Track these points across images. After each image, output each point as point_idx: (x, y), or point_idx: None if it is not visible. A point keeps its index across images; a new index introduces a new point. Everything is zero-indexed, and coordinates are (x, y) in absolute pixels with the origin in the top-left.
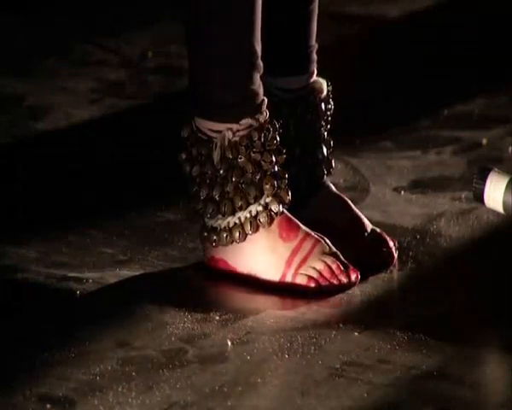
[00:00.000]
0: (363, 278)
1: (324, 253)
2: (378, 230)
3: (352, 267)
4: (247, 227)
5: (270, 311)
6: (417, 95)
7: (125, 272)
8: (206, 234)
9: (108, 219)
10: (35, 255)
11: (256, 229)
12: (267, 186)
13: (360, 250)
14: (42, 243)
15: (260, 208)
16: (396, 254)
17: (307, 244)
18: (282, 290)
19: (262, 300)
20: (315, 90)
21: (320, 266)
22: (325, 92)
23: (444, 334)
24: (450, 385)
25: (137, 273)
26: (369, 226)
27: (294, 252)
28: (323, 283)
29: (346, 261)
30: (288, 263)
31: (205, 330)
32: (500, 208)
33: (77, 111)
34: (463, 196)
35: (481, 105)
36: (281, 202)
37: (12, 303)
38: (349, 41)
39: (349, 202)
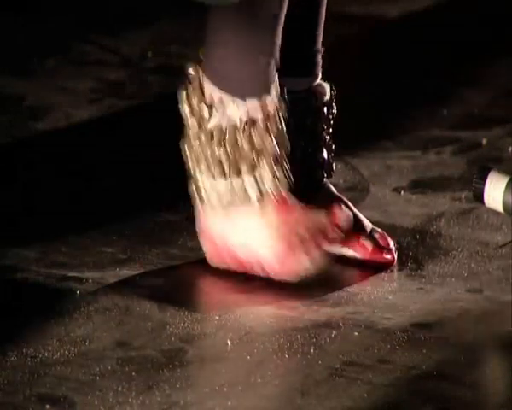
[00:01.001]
0: (363, 278)
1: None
2: (379, 230)
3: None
4: (240, 195)
5: (270, 311)
6: (417, 95)
7: (125, 272)
8: (194, 189)
9: (108, 219)
10: (35, 255)
11: (248, 201)
12: (266, 170)
13: (361, 256)
14: (42, 243)
15: (252, 180)
16: (396, 255)
17: (304, 219)
18: (283, 289)
19: (262, 300)
20: (318, 93)
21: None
22: (328, 96)
23: (444, 334)
24: (450, 385)
25: (137, 273)
26: (368, 227)
27: (291, 229)
28: (313, 252)
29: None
30: (285, 238)
31: (205, 330)
32: (500, 208)
33: (77, 111)
34: (463, 196)
35: (481, 105)
36: (279, 181)
37: (12, 303)
38: (349, 41)
39: (348, 202)
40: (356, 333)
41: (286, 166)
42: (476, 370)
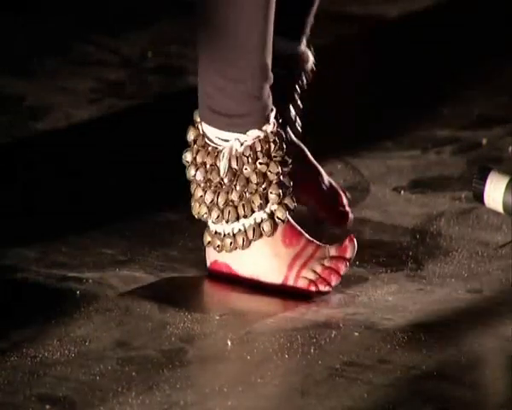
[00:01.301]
0: (363, 279)
1: (325, 257)
2: (334, 183)
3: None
4: (250, 233)
5: (270, 311)
6: (417, 95)
7: (125, 272)
8: (209, 239)
9: (108, 219)
10: (35, 255)
11: (259, 236)
12: (272, 196)
13: (316, 207)
14: (42, 243)
15: (265, 216)
16: (349, 211)
17: (309, 250)
18: (283, 291)
19: (262, 300)
20: (299, 59)
21: (319, 269)
22: (310, 63)
23: (444, 334)
24: (450, 385)
25: (137, 273)
26: (325, 178)
27: (296, 257)
28: (322, 284)
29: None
30: (290, 267)
31: (205, 330)
32: (500, 208)
33: (77, 111)
34: (463, 196)
35: (481, 105)
36: (286, 209)
37: (12, 303)
38: (349, 41)
39: (305, 150)
40: (356, 333)
41: (290, 188)
42: (476, 370)
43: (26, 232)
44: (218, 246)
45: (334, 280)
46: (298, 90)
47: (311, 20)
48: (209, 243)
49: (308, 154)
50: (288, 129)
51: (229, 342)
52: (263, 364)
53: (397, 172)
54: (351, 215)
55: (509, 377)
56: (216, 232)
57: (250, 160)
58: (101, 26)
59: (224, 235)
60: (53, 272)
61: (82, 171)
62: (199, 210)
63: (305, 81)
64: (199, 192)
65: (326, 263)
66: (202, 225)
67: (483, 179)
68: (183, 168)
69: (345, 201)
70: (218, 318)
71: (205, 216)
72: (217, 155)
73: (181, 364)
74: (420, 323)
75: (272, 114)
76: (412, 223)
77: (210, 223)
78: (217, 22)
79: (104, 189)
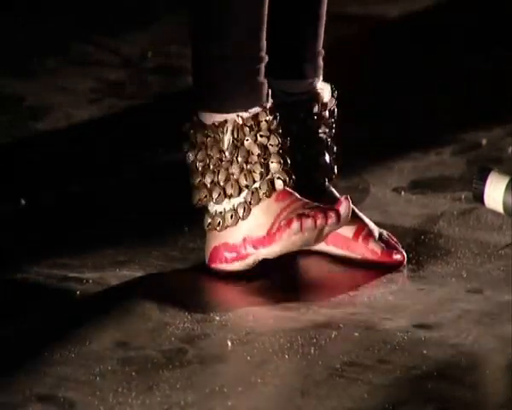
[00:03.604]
0: (364, 280)
1: (312, 207)
2: (385, 232)
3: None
4: (249, 198)
5: (270, 311)
6: (417, 95)
7: (125, 273)
8: (210, 220)
9: (108, 219)
10: (35, 255)
11: (258, 201)
12: (273, 164)
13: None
14: (42, 243)
15: (264, 184)
16: (405, 254)
17: (298, 203)
18: (283, 290)
19: (262, 300)
20: (319, 95)
21: (306, 211)
22: (329, 97)
23: (444, 334)
24: (450, 385)
25: (137, 274)
26: (376, 230)
27: (284, 209)
28: (305, 219)
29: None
30: (277, 217)
31: (205, 331)
32: (500, 209)
33: (77, 111)
34: (463, 196)
35: (481, 105)
36: (287, 174)
37: (12, 303)
38: (349, 41)
39: (354, 207)
40: (356, 334)
41: (288, 161)
42: (476, 370)
43: (27, 232)
44: (219, 224)
45: (320, 219)
46: (327, 130)
47: (319, 50)
48: (209, 224)
49: (355, 209)
50: (332, 188)
51: (230, 343)
52: (263, 364)
53: (397, 173)
54: (405, 256)
55: (509, 377)
56: (216, 212)
57: (249, 130)
58: (101, 26)
59: (226, 211)
60: (53, 272)
61: (82, 171)
62: (199, 196)
63: (332, 119)
64: (198, 178)
65: (313, 209)
66: (202, 225)
67: (483, 180)
68: (182, 168)
69: (399, 246)
70: (218, 318)
71: (205, 200)
72: (218, 127)
73: (181, 364)
74: (420, 323)
75: (269, 94)
76: (412, 223)
77: (210, 206)
78: (214, 5)
79: (104, 189)
